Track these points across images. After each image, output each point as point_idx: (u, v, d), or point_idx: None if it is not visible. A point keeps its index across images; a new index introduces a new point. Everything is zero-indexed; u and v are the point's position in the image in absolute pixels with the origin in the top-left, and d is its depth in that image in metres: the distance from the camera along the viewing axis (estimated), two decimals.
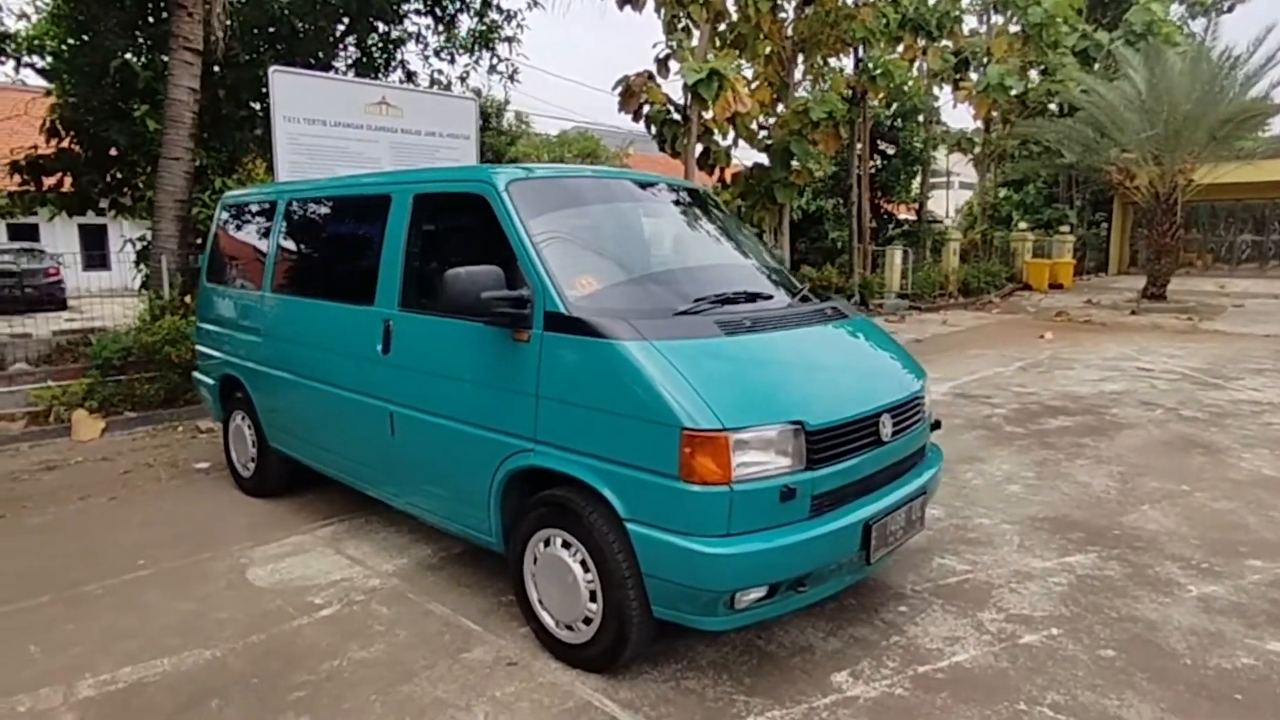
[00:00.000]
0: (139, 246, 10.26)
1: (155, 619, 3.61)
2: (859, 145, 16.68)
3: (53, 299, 16.10)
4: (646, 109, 13.65)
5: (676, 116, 13.79)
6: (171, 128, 8.15)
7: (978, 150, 21.57)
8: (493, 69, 13.47)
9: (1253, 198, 25.03)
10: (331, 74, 11.02)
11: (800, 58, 15.08)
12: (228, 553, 4.36)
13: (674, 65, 12.43)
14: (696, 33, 13.47)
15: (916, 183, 20.61)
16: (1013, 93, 17.59)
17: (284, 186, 4.96)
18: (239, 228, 5.42)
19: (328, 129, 8.46)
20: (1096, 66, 20.03)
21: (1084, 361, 10.48)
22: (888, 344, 3.72)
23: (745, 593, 2.73)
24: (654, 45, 12.80)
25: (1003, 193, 24.80)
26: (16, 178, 10.32)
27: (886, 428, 3.15)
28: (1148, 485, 5.29)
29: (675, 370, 2.76)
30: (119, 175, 10.69)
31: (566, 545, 3.06)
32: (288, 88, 8.16)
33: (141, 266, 10.17)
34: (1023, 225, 23.86)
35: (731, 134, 14.91)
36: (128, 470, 5.94)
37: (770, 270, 3.99)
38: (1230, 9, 27.11)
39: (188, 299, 8.09)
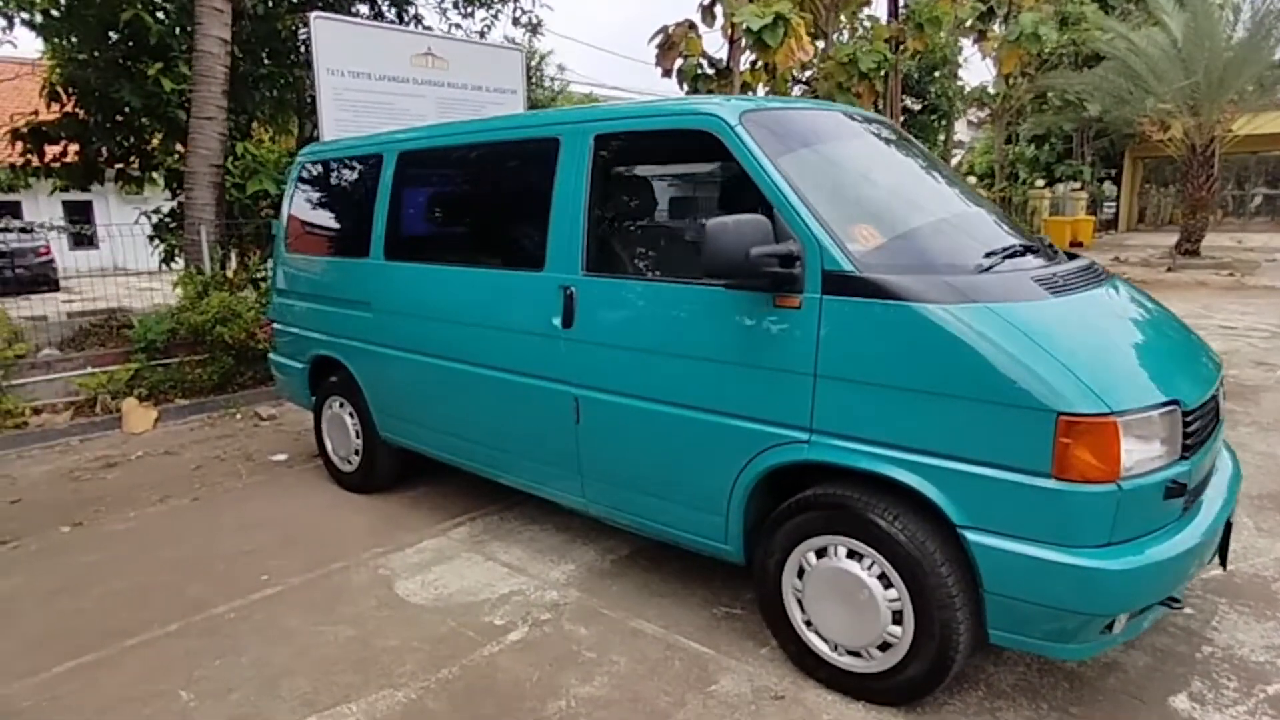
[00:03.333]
0: (154, 220, 9.47)
1: (312, 650, 3.03)
2: (894, 98, 16.04)
3: (45, 279, 15.14)
4: (679, 63, 12.96)
5: (710, 71, 13.11)
6: (202, 83, 7.34)
7: (997, 104, 21.01)
8: (515, 21, 12.60)
9: (1269, 149, 24.71)
10: (376, 22, 10.13)
11: (837, 5, 14.37)
12: (358, 561, 3.77)
13: (719, 12, 11.69)
14: None
15: (941, 138, 20.02)
16: (1048, 42, 16.92)
17: (392, 136, 4.28)
18: (327, 188, 4.75)
19: (373, 82, 7.72)
20: (1116, 14, 19.44)
21: None
22: (1160, 306, 3.18)
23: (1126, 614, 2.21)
24: None
25: (1019, 149, 24.29)
26: (18, 146, 9.39)
27: (1220, 406, 2.62)
28: None
29: (1030, 340, 2.20)
30: (129, 141, 9.82)
31: (854, 555, 2.51)
32: (330, 37, 7.40)
33: (157, 241, 9.39)
34: (1040, 183, 23.40)
35: (762, 89, 14.30)
36: (199, 465, 5.29)
37: (1004, 218, 3.41)
38: None
39: (229, 274, 7.39)
